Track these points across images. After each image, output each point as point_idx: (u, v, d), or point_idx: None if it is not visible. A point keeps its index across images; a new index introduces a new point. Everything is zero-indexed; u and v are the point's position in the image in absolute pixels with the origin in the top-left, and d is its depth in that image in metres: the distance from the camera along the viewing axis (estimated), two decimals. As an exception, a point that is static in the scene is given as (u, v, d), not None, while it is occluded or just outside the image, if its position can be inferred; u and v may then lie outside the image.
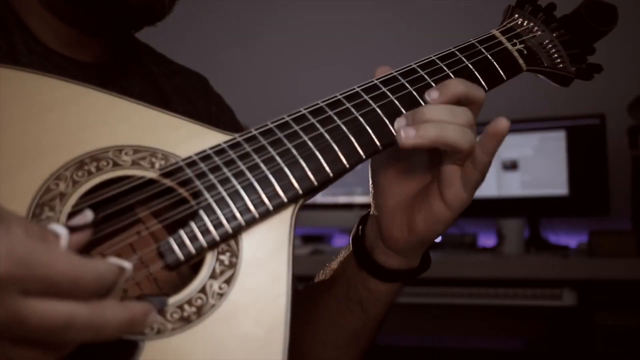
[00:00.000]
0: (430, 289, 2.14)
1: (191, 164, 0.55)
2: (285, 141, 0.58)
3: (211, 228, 0.52)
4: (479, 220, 2.47)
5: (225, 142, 0.57)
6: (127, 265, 0.43)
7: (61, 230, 0.43)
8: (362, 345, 0.76)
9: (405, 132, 0.58)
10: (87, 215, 0.46)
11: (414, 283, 2.40)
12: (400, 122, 0.60)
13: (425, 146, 0.59)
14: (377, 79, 0.64)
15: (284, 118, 0.60)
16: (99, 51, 0.76)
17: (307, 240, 2.49)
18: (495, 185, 2.46)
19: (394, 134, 0.60)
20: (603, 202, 2.31)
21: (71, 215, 0.50)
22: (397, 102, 0.62)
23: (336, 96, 0.62)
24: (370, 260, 0.71)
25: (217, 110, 0.87)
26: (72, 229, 0.44)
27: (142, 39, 0.85)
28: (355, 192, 2.49)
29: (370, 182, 0.71)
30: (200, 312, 0.50)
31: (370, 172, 0.70)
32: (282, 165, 0.56)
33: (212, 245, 0.52)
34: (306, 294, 0.79)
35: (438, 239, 2.57)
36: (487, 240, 2.47)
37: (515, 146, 2.44)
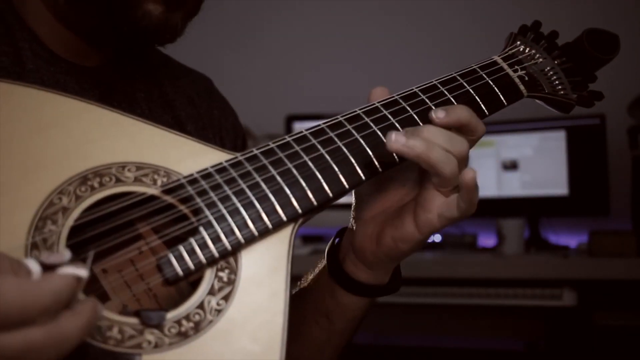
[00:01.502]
0: (430, 289, 2.14)
1: (192, 181, 0.56)
2: (286, 161, 0.59)
3: (210, 243, 0.53)
4: (479, 220, 2.48)
5: (226, 161, 0.58)
6: (83, 273, 0.43)
7: (34, 266, 0.43)
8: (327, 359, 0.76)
9: (395, 136, 0.59)
10: (65, 255, 0.45)
11: (414, 283, 2.39)
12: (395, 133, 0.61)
13: (408, 156, 0.59)
14: (378, 102, 0.65)
15: (285, 138, 0.61)
16: (104, 56, 0.76)
17: (307, 240, 2.50)
18: (495, 185, 2.46)
19: (394, 156, 0.61)
20: (603, 202, 2.31)
21: (73, 229, 0.51)
22: (398, 125, 0.63)
23: (337, 118, 0.63)
24: (340, 270, 0.71)
25: (219, 114, 0.87)
26: (46, 267, 0.44)
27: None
28: (355, 192, 2.49)
29: (353, 194, 0.71)
30: (198, 328, 0.51)
31: None
32: (283, 184, 0.57)
33: (211, 261, 0.53)
34: None
35: (438, 239, 2.55)
36: (487, 240, 2.47)
37: (515, 146, 2.45)
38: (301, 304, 0.74)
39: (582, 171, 2.36)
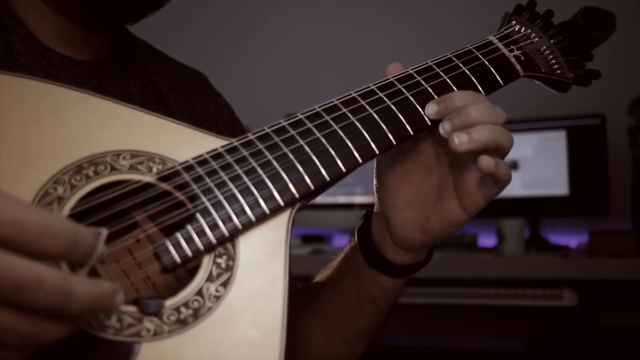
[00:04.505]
0: (430, 289, 2.14)
1: (188, 168, 0.55)
2: (282, 145, 0.58)
3: (207, 230, 0.52)
4: (479, 220, 2.46)
5: (222, 147, 0.57)
6: (104, 230, 0.43)
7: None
8: (372, 337, 0.79)
9: (458, 137, 0.60)
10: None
11: (414, 283, 2.39)
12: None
13: (477, 150, 0.61)
14: (373, 85, 0.65)
15: (280, 123, 0.60)
16: (98, 49, 0.76)
17: (307, 240, 2.49)
18: (495, 185, 2.46)
19: (390, 139, 0.62)
20: (603, 202, 2.31)
21: (69, 218, 0.50)
22: (393, 107, 0.63)
23: (333, 101, 0.63)
24: (379, 257, 0.73)
25: (215, 108, 0.87)
26: None
27: (141, 36, 0.85)
28: (355, 192, 2.49)
29: (375, 182, 0.72)
30: (197, 315, 0.50)
31: (375, 172, 0.71)
32: (279, 169, 0.57)
33: (209, 247, 0.52)
34: (311, 293, 0.80)
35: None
36: (487, 240, 2.47)
37: (515, 146, 2.38)
38: (339, 293, 0.76)
39: (582, 171, 2.36)
